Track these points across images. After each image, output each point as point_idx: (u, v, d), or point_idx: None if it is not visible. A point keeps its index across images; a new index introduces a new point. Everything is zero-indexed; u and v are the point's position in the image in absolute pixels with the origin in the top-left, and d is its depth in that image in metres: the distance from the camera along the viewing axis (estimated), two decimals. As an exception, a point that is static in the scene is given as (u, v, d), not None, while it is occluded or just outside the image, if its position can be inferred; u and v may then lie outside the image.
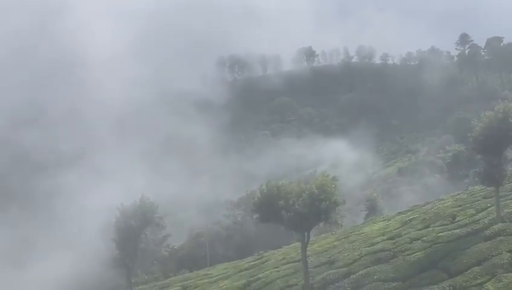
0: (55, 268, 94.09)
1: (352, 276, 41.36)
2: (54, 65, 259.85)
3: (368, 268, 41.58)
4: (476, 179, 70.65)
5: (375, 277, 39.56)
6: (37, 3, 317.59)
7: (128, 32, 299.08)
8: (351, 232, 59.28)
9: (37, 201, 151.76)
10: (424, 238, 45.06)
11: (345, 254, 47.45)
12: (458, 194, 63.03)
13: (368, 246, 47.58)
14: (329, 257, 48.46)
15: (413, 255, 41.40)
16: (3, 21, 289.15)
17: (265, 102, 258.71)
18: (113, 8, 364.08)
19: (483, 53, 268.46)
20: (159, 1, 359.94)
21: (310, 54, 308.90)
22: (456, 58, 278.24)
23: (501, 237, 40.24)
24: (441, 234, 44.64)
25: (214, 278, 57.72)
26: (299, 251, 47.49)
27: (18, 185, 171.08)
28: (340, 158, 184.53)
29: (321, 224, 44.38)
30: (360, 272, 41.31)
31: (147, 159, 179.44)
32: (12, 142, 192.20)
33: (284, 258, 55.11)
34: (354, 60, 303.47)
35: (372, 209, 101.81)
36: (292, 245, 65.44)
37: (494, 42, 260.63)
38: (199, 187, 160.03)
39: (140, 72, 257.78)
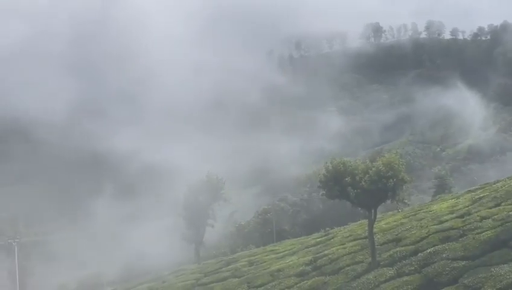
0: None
1: (420, 254, 40.85)
2: (116, 54, 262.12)
3: (436, 246, 40.96)
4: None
5: (444, 255, 38.97)
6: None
7: (189, 15, 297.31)
8: (419, 210, 58.53)
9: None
10: (495, 216, 44.03)
11: (413, 232, 46.90)
12: (531, 172, 61.30)
13: (436, 224, 46.87)
14: (396, 235, 48.04)
15: (483, 233, 40.54)
16: (64, 11, 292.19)
17: (331, 79, 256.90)
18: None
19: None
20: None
21: (377, 30, 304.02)
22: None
23: None
24: (512, 212, 43.63)
25: (280, 254, 58.14)
26: (366, 228, 47.30)
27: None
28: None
29: (388, 201, 44.06)
30: (428, 250, 40.75)
31: (218, 137, 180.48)
32: (76, 132, 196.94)
33: (350, 235, 54.98)
34: (423, 35, 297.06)
35: (440, 187, 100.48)
36: (358, 222, 65.19)
37: None
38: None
39: (205, 56, 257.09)
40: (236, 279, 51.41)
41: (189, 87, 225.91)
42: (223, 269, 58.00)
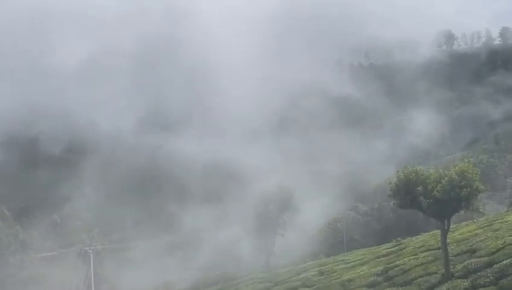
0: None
1: (495, 265, 39.87)
2: (184, 68, 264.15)
3: (513, 258, 39.96)
4: None
5: (521, 267, 37.99)
6: (164, 9, 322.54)
7: (256, 29, 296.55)
8: (494, 220, 57.16)
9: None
10: None
11: (488, 243, 45.83)
12: None
13: (513, 235, 45.74)
14: (471, 246, 47.04)
15: (563, 244, 39.38)
16: (131, 27, 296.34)
17: (403, 87, 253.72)
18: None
19: None
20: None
21: (449, 37, 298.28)
22: None
23: None
24: None
25: (350, 264, 57.82)
26: (439, 239, 46.49)
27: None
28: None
29: (462, 211, 43.18)
30: (504, 262, 39.70)
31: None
32: (147, 144, 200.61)
33: (422, 246, 54.18)
34: (497, 42, 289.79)
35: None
36: (431, 232, 64.11)
37: None
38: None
39: (274, 69, 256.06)
40: (307, 288, 51.45)
41: (259, 98, 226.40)
42: (293, 278, 58.10)
